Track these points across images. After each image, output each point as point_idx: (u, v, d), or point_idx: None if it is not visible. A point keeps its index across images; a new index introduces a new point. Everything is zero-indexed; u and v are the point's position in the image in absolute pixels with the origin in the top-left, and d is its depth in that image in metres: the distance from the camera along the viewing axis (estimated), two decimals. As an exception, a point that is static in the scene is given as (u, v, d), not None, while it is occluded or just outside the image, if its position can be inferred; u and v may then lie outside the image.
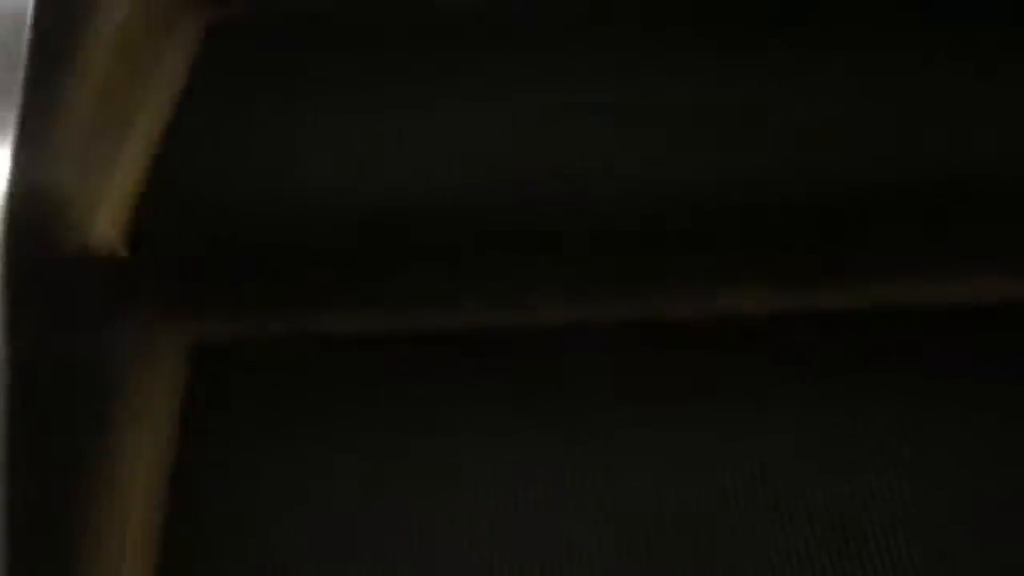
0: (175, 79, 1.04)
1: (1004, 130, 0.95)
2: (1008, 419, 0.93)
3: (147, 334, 1.04)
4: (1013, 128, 0.95)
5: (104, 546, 0.91)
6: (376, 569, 0.90)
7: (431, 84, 1.04)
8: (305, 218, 0.98)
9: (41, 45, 0.85)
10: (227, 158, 1.00)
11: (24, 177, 0.81)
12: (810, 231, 0.97)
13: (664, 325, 1.00)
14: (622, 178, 0.97)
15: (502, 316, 1.02)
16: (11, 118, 0.81)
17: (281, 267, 1.02)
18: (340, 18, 1.11)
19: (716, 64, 1.02)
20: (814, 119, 0.98)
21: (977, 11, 1.02)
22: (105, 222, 0.95)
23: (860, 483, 0.90)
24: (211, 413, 1.02)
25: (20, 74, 0.82)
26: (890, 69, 1.01)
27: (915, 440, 0.92)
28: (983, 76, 0.99)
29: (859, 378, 0.97)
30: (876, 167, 0.95)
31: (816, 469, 0.92)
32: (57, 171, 0.91)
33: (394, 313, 1.04)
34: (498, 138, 1.00)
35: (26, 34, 0.84)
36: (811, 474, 0.91)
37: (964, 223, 0.96)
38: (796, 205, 0.96)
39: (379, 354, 1.02)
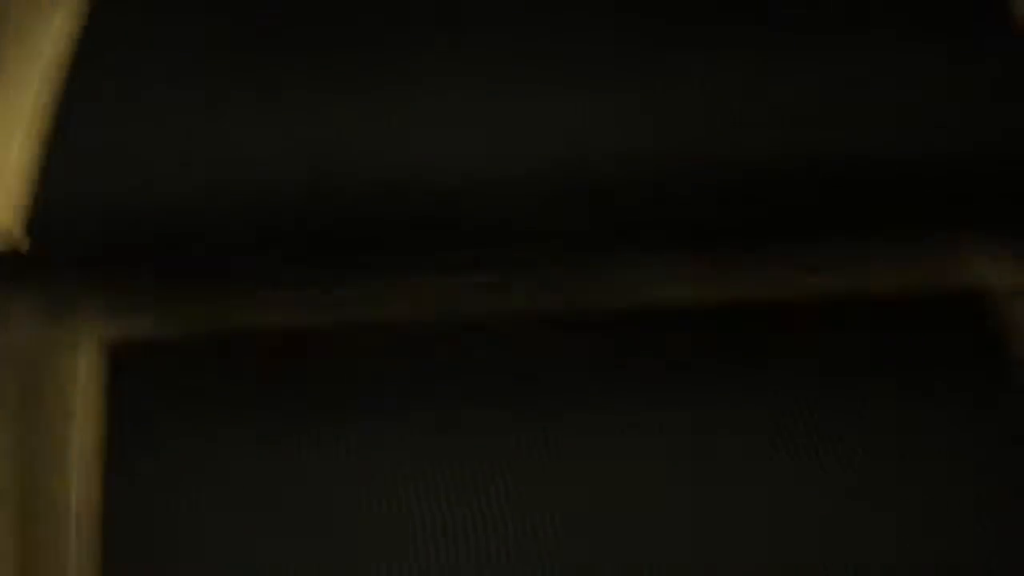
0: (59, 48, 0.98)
1: (897, 118, 0.98)
2: (904, 407, 0.96)
3: (62, 323, 1.00)
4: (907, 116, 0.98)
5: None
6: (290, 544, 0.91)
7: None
8: (206, 210, 0.94)
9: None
10: (124, 147, 0.94)
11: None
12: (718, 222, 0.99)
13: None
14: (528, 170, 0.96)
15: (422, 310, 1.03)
16: None
17: (185, 260, 0.99)
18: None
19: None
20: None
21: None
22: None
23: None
24: (133, 403, 0.99)
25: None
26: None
27: (811, 426, 0.95)
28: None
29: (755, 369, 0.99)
30: (766, 153, 0.97)
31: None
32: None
33: (310, 306, 1.03)
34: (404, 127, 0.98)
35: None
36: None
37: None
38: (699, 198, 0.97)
39: (297, 346, 1.02)
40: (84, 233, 0.92)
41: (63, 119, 0.94)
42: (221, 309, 1.03)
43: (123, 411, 0.98)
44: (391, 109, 0.98)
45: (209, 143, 0.94)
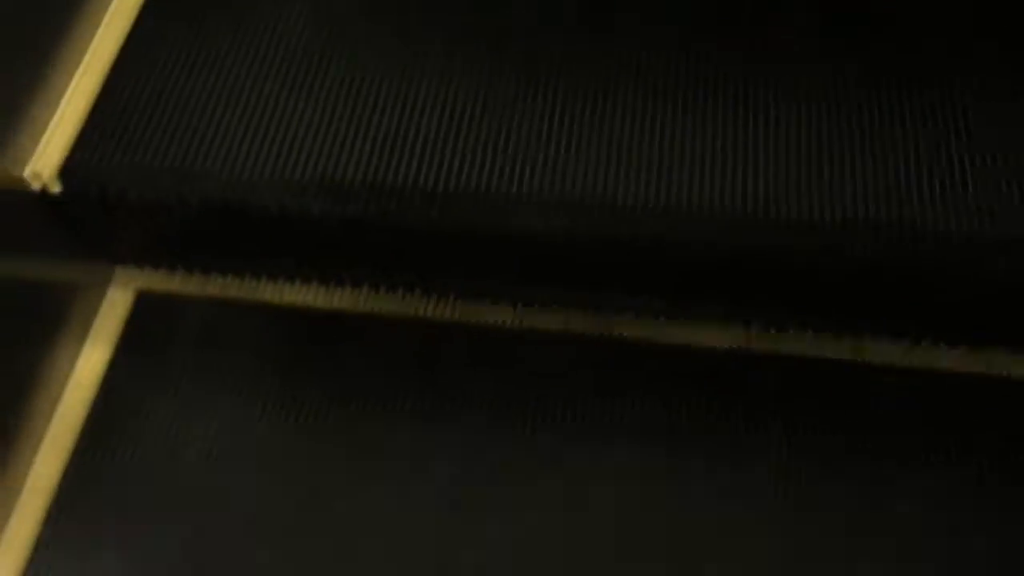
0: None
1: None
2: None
3: (92, 270, 1.09)
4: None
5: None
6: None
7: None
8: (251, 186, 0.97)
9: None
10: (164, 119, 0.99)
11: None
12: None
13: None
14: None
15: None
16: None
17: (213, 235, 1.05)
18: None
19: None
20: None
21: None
22: (41, 159, 0.97)
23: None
24: (144, 348, 1.07)
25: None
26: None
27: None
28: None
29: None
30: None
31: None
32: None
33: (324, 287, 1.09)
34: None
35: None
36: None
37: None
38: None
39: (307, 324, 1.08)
40: (118, 186, 0.98)
41: (118, 77, 1.00)
42: (249, 283, 1.10)
43: (132, 348, 1.06)
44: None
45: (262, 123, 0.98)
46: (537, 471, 0.99)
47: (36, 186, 0.96)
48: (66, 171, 0.96)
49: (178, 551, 0.96)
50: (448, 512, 0.97)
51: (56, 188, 0.96)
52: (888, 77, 0.97)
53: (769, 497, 0.96)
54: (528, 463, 0.99)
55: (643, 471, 0.98)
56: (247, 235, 1.02)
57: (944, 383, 1.02)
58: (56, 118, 0.99)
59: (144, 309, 1.09)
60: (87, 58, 1.02)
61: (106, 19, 1.05)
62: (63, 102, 0.99)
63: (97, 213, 1.00)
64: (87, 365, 1.06)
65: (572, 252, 0.97)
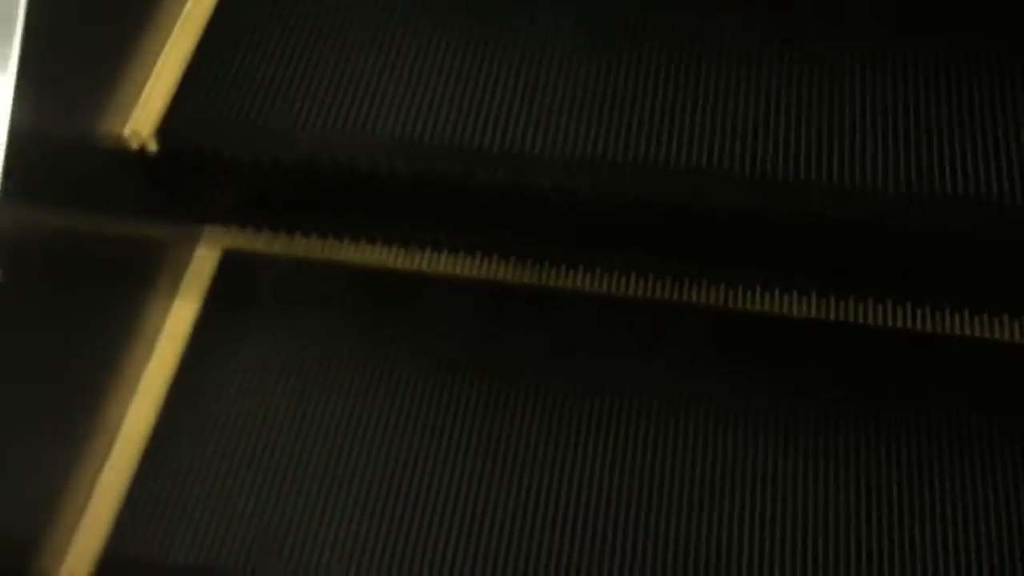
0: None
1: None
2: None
3: (182, 227, 1.11)
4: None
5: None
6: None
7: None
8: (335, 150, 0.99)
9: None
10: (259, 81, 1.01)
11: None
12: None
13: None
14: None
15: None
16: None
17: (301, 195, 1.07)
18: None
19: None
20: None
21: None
22: (139, 119, 0.99)
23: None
24: (230, 305, 1.10)
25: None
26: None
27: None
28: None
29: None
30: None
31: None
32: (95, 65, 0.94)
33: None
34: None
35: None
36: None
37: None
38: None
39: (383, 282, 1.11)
40: (213, 144, 1.00)
41: (213, 37, 1.03)
42: (331, 244, 1.12)
43: (219, 305, 1.09)
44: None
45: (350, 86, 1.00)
46: (602, 426, 1.01)
47: (135, 145, 0.98)
48: (163, 130, 0.98)
49: (260, 507, 0.99)
50: (526, 467, 1.00)
51: (153, 147, 0.98)
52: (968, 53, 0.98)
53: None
54: (591, 420, 1.02)
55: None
56: (334, 194, 1.04)
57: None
58: (153, 78, 1.01)
59: (230, 267, 1.12)
60: (182, 18, 1.04)
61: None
62: (159, 63, 1.02)
63: (191, 172, 1.02)
64: (177, 320, 1.09)
65: (653, 217, 1.00)
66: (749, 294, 1.08)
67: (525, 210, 1.03)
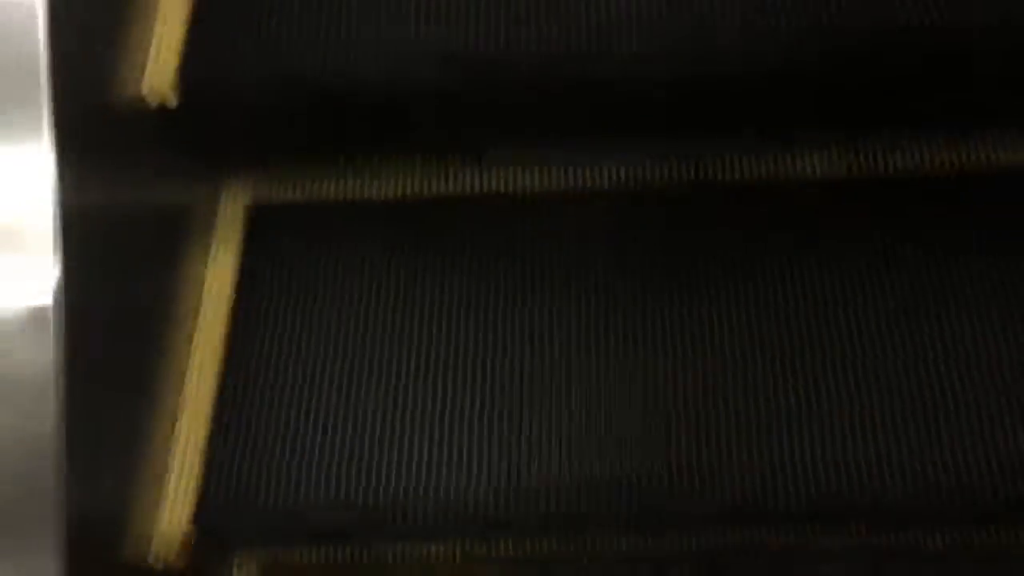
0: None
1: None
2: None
3: (206, 184, 1.11)
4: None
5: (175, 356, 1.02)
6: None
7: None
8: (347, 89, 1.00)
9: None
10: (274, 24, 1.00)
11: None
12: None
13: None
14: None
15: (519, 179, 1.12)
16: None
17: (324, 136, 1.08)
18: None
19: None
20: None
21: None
22: (156, 72, 0.98)
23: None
24: (264, 260, 1.09)
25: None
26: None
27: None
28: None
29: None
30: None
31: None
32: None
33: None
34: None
35: None
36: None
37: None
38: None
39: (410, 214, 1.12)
40: (232, 102, 1.01)
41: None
42: (353, 184, 1.12)
43: (255, 259, 1.09)
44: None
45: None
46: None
47: (154, 102, 0.98)
48: (182, 75, 0.97)
49: (318, 459, 0.99)
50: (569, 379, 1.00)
51: (173, 101, 0.98)
52: None
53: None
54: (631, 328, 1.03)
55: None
56: (354, 122, 1.05)
57: None
58: (158, 35, 1.00)
59: (259, 218, 1.11)
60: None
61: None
62: (161, 14, 1.01)
63: (212, 121, 1.02)
64: (215, 280, 1.08)
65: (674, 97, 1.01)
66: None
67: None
